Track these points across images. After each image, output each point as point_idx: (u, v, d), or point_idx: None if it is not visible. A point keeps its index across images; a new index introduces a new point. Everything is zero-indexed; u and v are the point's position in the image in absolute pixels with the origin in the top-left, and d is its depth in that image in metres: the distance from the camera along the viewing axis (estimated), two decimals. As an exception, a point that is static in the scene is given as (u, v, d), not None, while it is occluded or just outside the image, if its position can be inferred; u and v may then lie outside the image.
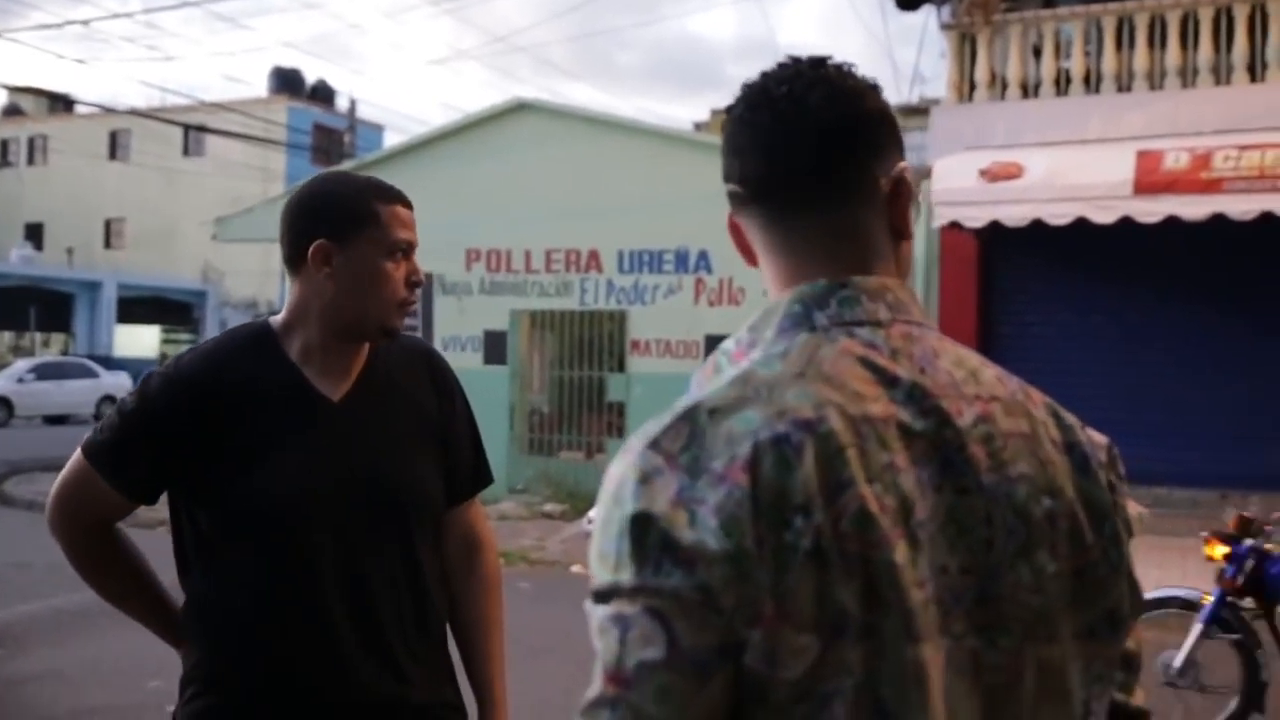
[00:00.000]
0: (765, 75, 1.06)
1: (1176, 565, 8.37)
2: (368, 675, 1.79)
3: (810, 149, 1.02)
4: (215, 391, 1.78)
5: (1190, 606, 5.08)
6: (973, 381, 0.99)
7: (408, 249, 1.83)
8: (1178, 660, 4.95)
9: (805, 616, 0.85)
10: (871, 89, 1.06)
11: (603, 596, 0.89)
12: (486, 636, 1.99)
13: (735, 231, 1.10)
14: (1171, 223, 9.00)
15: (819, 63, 1.05)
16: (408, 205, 1.86)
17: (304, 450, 1.78)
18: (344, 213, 1.79)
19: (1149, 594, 5.15)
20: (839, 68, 1.06)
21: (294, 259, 1.81)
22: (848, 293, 1.00)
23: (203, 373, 1.80)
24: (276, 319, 1.88)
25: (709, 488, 0.87)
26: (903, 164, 1.06)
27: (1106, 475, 1.02)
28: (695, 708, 0.85)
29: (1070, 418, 1.04)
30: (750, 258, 1.10)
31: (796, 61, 1.06)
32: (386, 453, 1.85)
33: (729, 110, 1.07)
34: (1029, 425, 0.99)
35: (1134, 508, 1.08)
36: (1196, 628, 4.96)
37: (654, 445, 0.91)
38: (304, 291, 1.82)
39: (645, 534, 0.87)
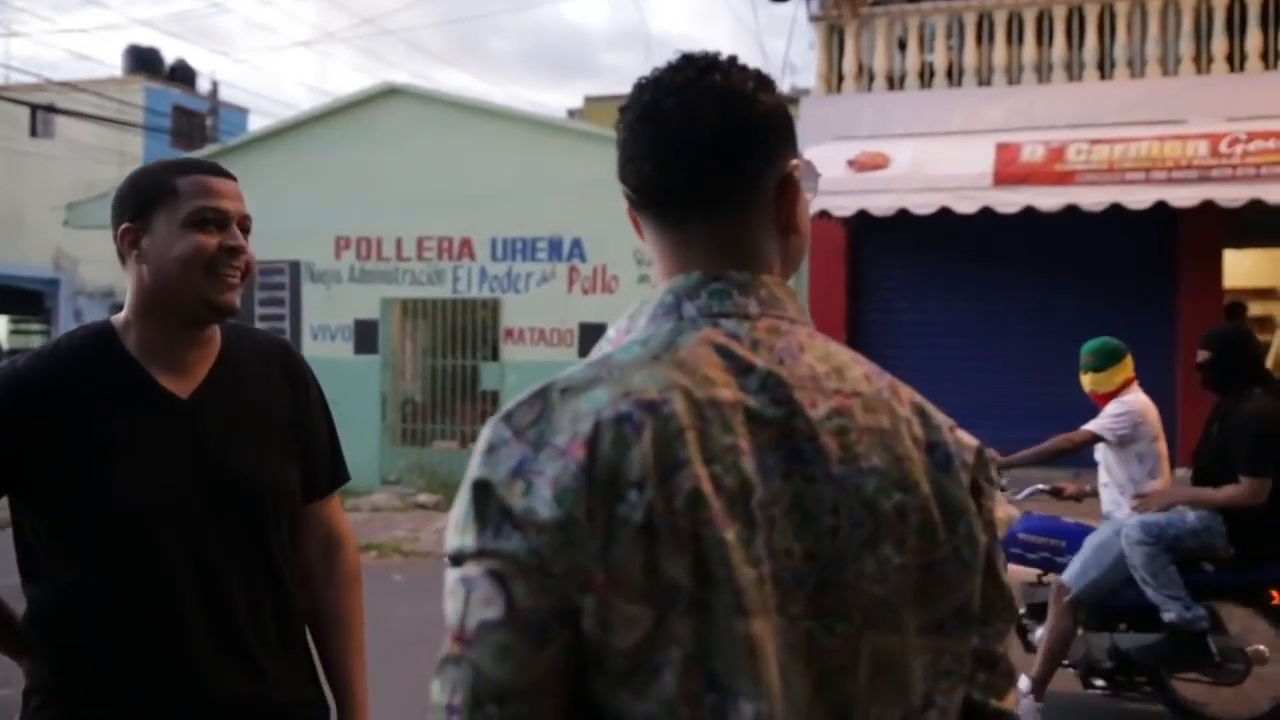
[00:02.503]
0: (657, 81, 1.07)
1: (1034, 542, 8.72)
2: (223, 676, 1.75)
3: (694, 163, 1.05)
4: (55, 393, 1.71)
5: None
6: (835, 377, 1.01)
7: (218, 218, 1.76)
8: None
9: (636, 587, 0.89)
10: (762, 89, 1.07)
11: (454, 560, 0.94)
12: (346, 635, 1.98)
13: (635, 223, 1.14)
14: (1029, 212, 9.36)
15: (709, 67, 1.06)
16: (219, 174, 1.80)
17: (150, 450, 1.73)
18: (143, 193, 1.76)
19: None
20: (729, 72, 1.06)
21: (119, 252, 1.78)
22: (720, 286, 1.04)
23: (41, 374, 1.74)
24: (118, 317, 1.82)
25: (549, 460, 0.91)
26: (794, 162, 1.08)
27: (970, 476, 1.04)
28: (533, 668, 0.89)
29: (939, 418, 1.06)
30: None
31: (688, 63, 1.07)
32: (237, 451, 1.80)
33: (622, 113, 1.10)
34: (890, 422, 1.01)
35: (1004, 510, 1.11)
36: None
37: (507, 419, 0.96)
38: (130, 283, 1.79)
39: (486, 501, 0.92)
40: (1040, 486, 5.27)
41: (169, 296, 1.75)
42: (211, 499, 1.75)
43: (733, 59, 1.08)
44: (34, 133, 37.15)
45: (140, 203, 1.75)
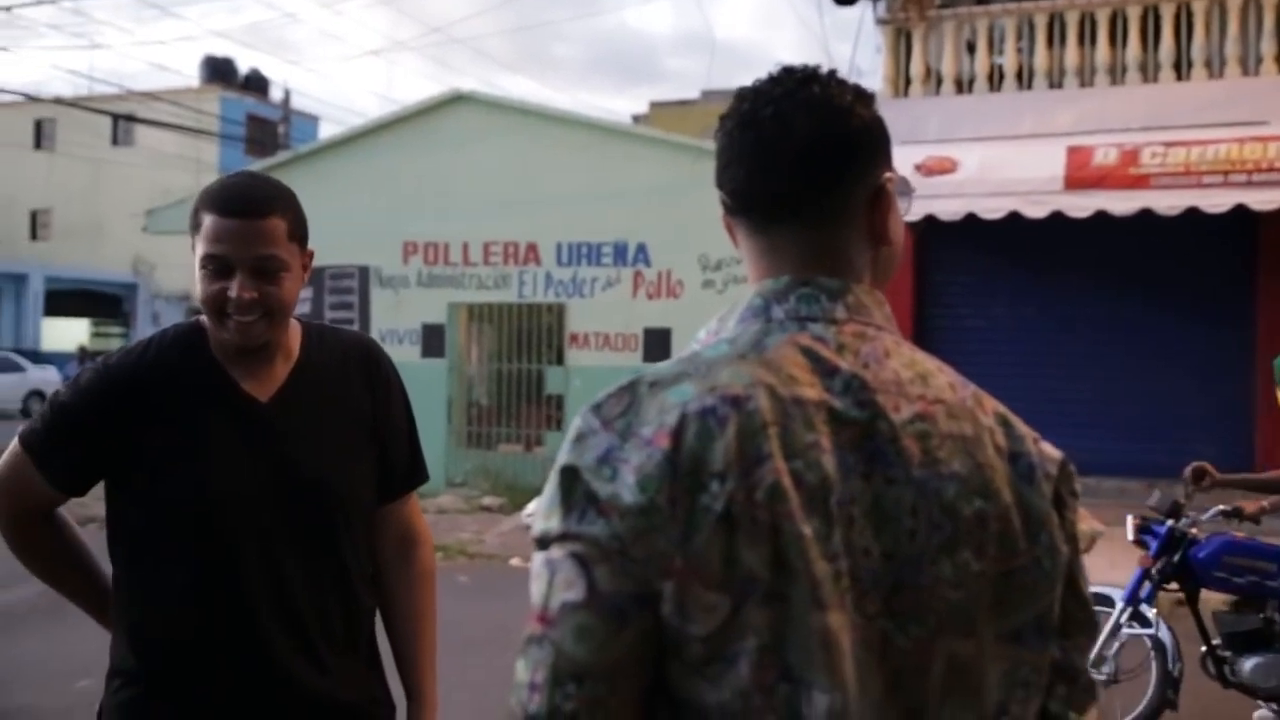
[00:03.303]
0: (756, 90, 1.10)
1: (1104, 554, 8.55)
2: (292, 672, 1.79)
3: (792, 172, 1.07)
4: (144, 389, 1.78)
5: (1106, 601, 5.02)
6: (920, 383, 1.02)
7: (218, 266, 1.73)
8: (1092, 652, 4.95)
9: (714, 575, 0.91)
10: (860, 103, 1.09)
11: (540, 544, 0.97)
12: (419, 631, 2.01)
13: (729, 230, 1.15)
14: (1101, 217, 9.19)
15: (809, 79, 1.09)
16: (235, 214, 1.72)
17: (229, 450, 1.78)
18: (191, 218, 1.79)
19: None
20: (828, 84, 1.09)
21: None
22: (808, 290, 1.06)
23: (133, 370, 1.80)
24: (205, 318, 1.86)
25: (634, 449, 0.94)
26: (887, 175, 1.10)
27: (1054, 488, 1.05)
28: (612, 649, 0.92)
29: (1022, 429, 1.07)
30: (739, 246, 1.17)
31: (788, 74, 1.10)
32: (313, 452, 1.84)
33: (722, 120, 1.11)
34: (973, 430, 1.02)
35: (1089, 524, 1.11)
36: (1110, 618, 4.92)
37: (596, 409, 0.99)
38: None
39: (573, 486, 0.95)
40: (1221, 508, 4.99)
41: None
42: (286, 499, 1.80)
43: (832, 73, 1.10)
44: (115, 141, 38.17)
45: (190, 226, 1.79)
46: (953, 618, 0.97)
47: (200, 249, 1.74)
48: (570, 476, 0.95)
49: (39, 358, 28.58)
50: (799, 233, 1.08)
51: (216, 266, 1.73)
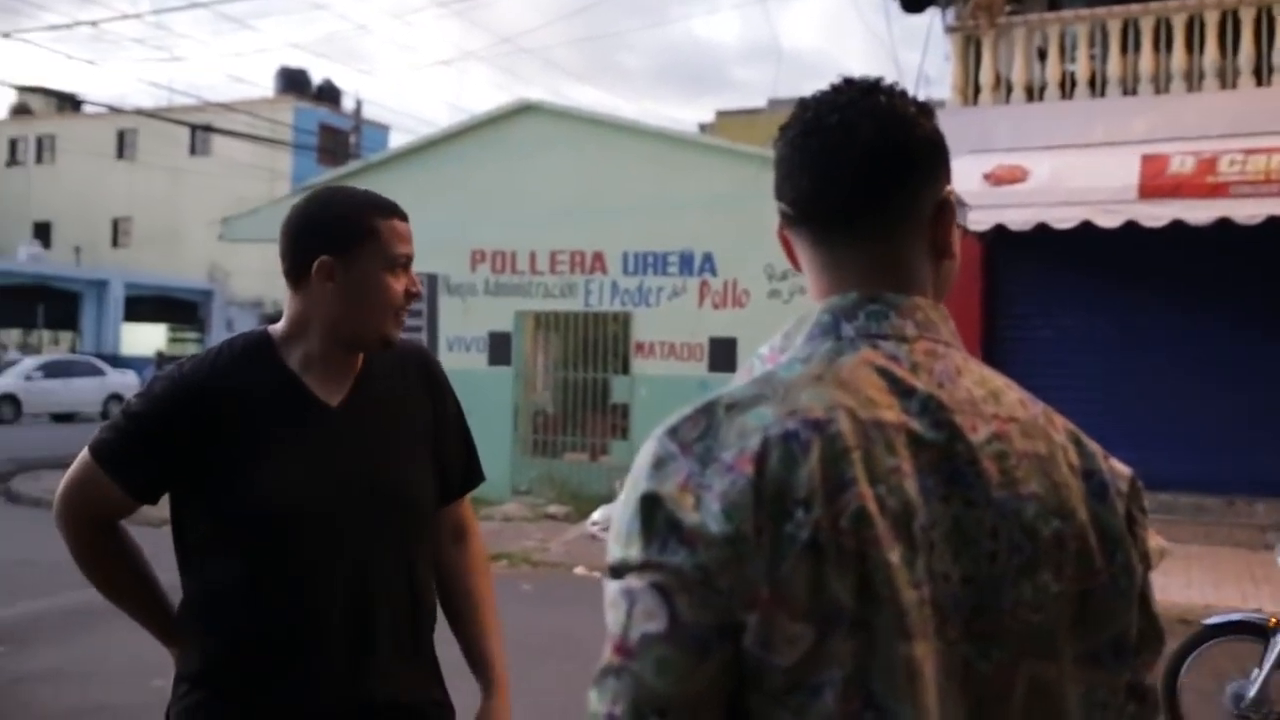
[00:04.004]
0: (820, 99, 1.09)
1: (1180, 573, 8.36)
2: (359, 676, 1.83)
3: (856, 179, 1.06)
4: (218, 396, 1.82)
5: (1257, 631, 4.74)
6: (993, 401, 1.01)
7: (406, 262, 1.89)
8: (1251, 690, 4.64)
9: (800, 605, 0.89)
10: (923, 115, 1.09)
11: (616, 571, 0.94)
12: (482, 616, 2.06)
13: (785, 243, 1.15)
14: (1177, 227, 8.99)
15: (872, 89, 1.08)
16: (404, 219, 1.91)
17: (304, 456, 1.82)
18: (346, 229, 1.84)
19: (1211, 619, 4.92)
20: (891, 94, 1.08)
21: (296, 274, 1.86)
22: (877, 307, 1.04)
23: (206, 378, 1.84)
24: (276, 328, 1.92)
25: (717, 475, 0.92)
26: (949, 188, 1.10)
27: (1125, 505, 1.04)
28: (693, 681, 0.90)
29: (1093, 446, 1.05)
30: (795, 263, 1.15)
31: (850, 85, 1.09)
32: (384, 457, 1.89)
33: (783, 130, 1.11)
34: (1046, 448, 1.01)
35: (1156, 541, 1.09)
36: (1272, 655, 4.62)
37: (672, 433, 0.96)
38: (305, 304, 1.87)
39: (654, 514, 0.92)
40: None
41: (356, 329, 1.86)
42: (357, 503, 1.84)
43: (894, 84, 1.10)
44: (193, 151, 39.07)
45: (342, 238, 1.84)
46: (1034, 640, 0.96)
47: (390, 249, 1.85)
48: (651, 504, 0.93)
49: (118, 362, 29.33)
50: (863, 245, 1.07)
51: (406, 264, 1.88)
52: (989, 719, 0.95)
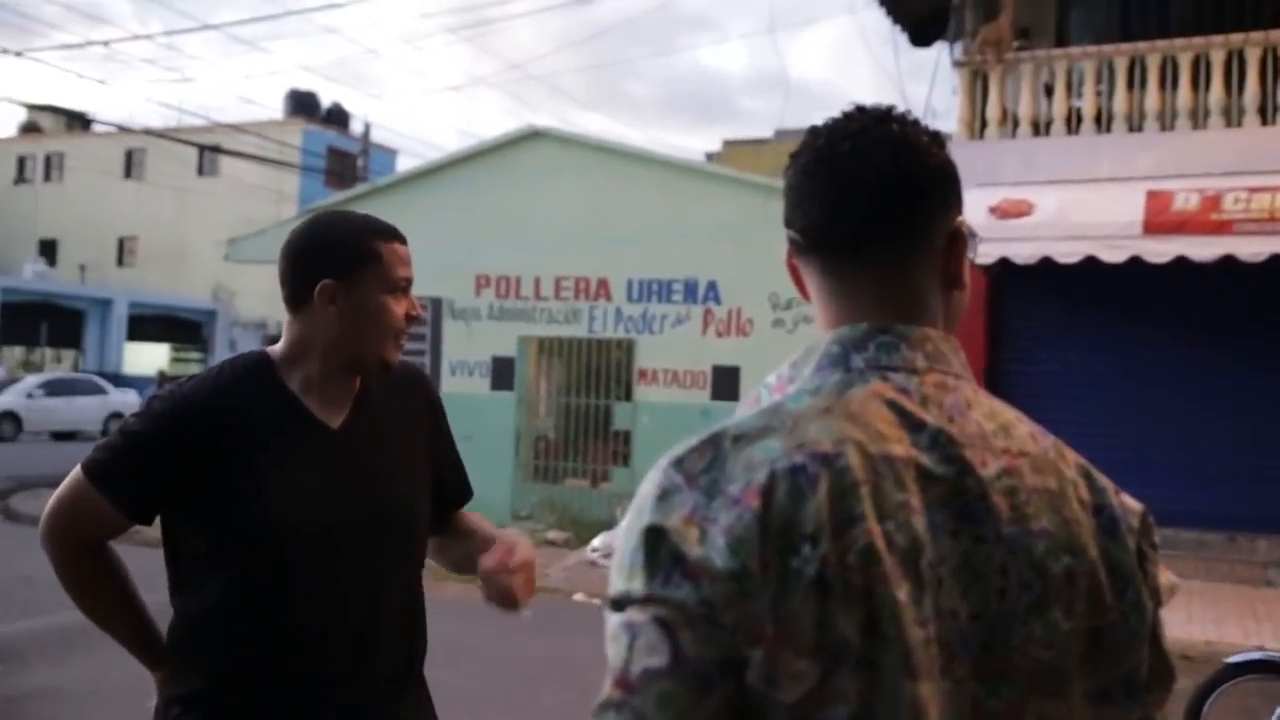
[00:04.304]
0: (832, 127, 1.08)
1: (1181, 608, 8.32)
2: (356, 696, 1.82)
3: (868, 207, 1.04)
4: (219, 415, 1.81)
5: (1276, 670, 4.61)
6: (1003, 435, 1.00)
7: (407, 286, 1.91)
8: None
9: (805, 642, 0.88)
10: (935, 144, 1.08)
11: (617, 604, 0.93)
12: (473, 524, 2.12)
13: (793, 272, 1.13)
14: (1181, 263, 9.01)
15: (885, 117, 1.07)
16: (404, 242, 1.93)
17: (305, 476, 1.82)
18: (348, 253, 1.85)
19: (1233, 658, 4.79)
20: (904, 123, 1.07)
21: (297, 297, 1.86)
22: (887, 339, 1.03)
23: (206, 398, 1.83)
24: (275, 350, 1.92)
25: (723, 509, 0.91)
26: (960, 218, 1.09)
27: (1136, 541, 1.02)
28: (694, 717, 0.88)
29: (1103, 481, 1.04)
30: (803, 291, 1.14)
31: (863, 112, 1.08)
32: (384, 478, 1.90)
33: (794, 157, 1.10)
34: (1057, 483, 0.99)
35: (1166, 577, 1.06)
36: None
37: (678, 464, 0.95)
38: (306, 328, 1.87)
39: (658, 547, 0.91)
40: None
41: (357, 352, 1.87)
42: (356, 523, 1.84)
43: (907, 112, 1.09)
44: (200, 171, 39.25)
45: (343, 262, 1.84)
46: (1043, 678, 0.94)
47: (392, 273, 1.87)
48: (656, 537, 0.91)
49: (120, 381, 29.35)
50: (874, 274, 1.06)
51: (407, 287, 1.91)
52: None
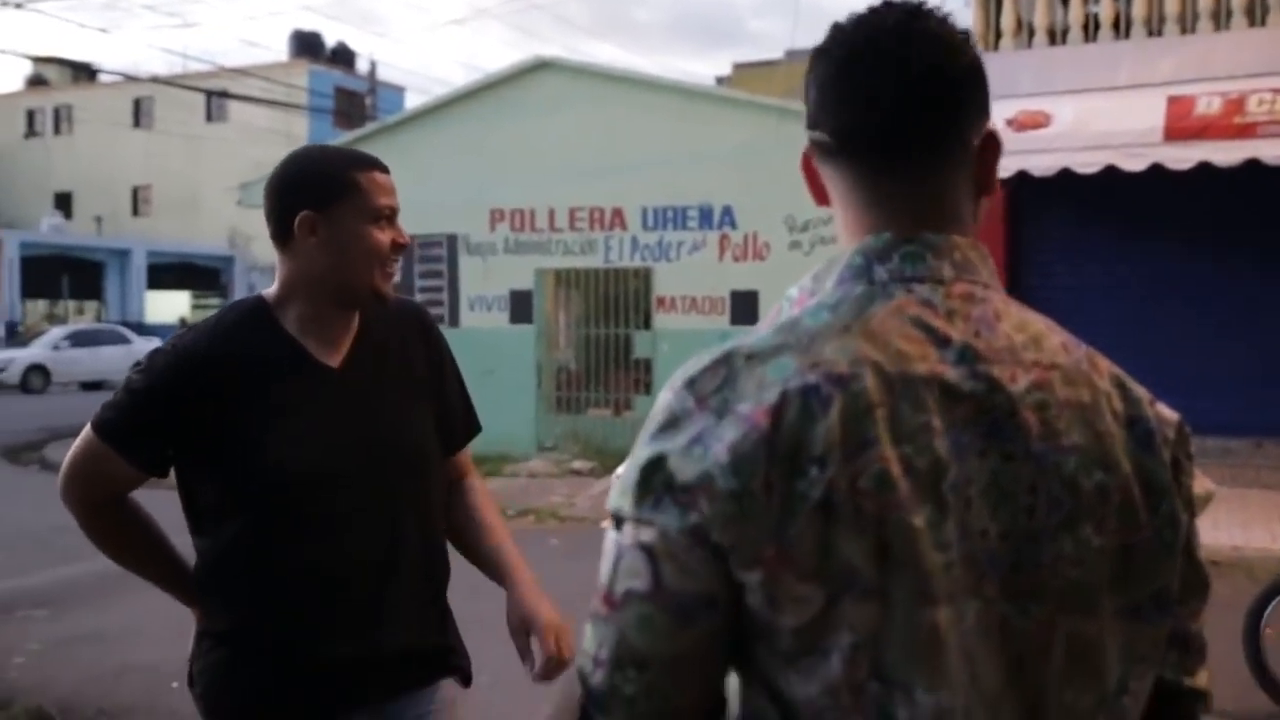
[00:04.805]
0: (864, 21, 1.01)
1: (1209, 515, 8.33)
2: (378, 626, 1.86)
3: (908, 107, 0.99)
4: (219, 365, 1.82)
5: None
6: (1033, 347, 0.97)
7: (391, 214, 1.88)
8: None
9: (807, 566, 0.87)
10: (966, 43, 1.02)
11: (613, 519, 0.95)
12: (492, 528, 2.09)
13: (811, 178, 1.08)
14: (1203, 169, 8.86)
15: (917, 11, 1.01)
16: (385, 171, 1.91)
17: (309, 418, 1.84)
18: (325, 184, 1.84)
19: None
20: (939, 18, 1.01)
21: (281, 234, 1.86)
22: (912, 248, 0.99)
23: (206, 348, 1.84)
24: (269, 292, 1.92)
25: (730, 426, 0.89)
26: (990, 122, 1.04)
27: (1171, 452, 0.99)
28: (675, 643, 0.90)
29: (1139, 391, 1.01)
30: (820, 197, 1.09)
31: (892, 7, 1.01)
32: (388, 413, 1.91)
33: (820, 54, 1.03)
34: (1090, 396, 0.96)
35: (1202, 485, 1.05)
36: None
37: (689, 384, 0.94)
38: (294, 264, 1.87)
39: (654, 471, 0.91)
40: None
41: (344, 284, 1.86)
42: (365, 460, 1.86)
43: (936, 8, 1.03)
44: (209, 118, 39.07)
45: (321, 193, 1.83)
46: (1073, 596, 0.92)
47: (372, 201, 1.85)
48: (655, 461, 0.91)
49: (144, 330, 29.57)
50: (906, 178, 1.01)
51: (391, 215, 1.88)
52: (1028, 676, 0.92)
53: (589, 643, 0.94)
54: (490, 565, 2.06)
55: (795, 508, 0.87)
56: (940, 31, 1.00)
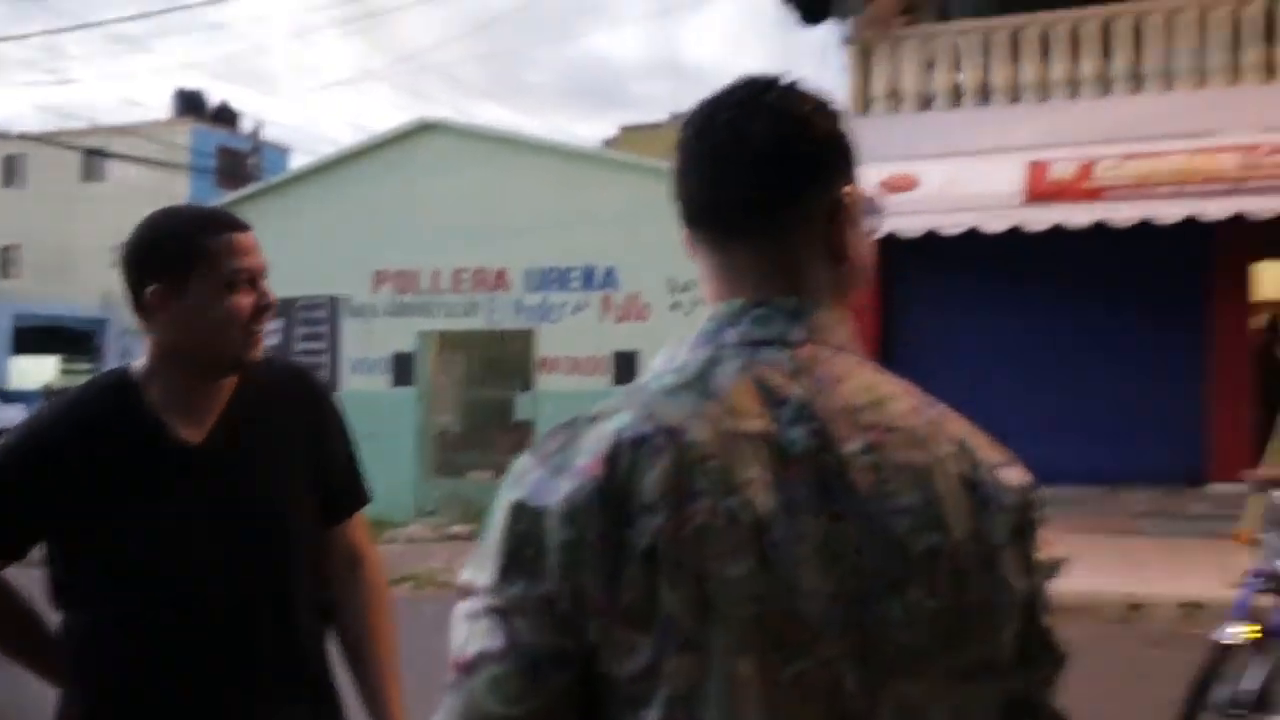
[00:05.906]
0: (714, 99, 1.06)
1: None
2: (245, 712, 1.79)
3: (745, 181, 1.02)
4: (72, 451, 1.75)
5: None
6: (874, 410, 0.97)
7: (251, 276, 1.79)
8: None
9: (636, 615, 0.88)
10: (820, 114, 1.04)
11: (463, 590, 0.96)
12: (375, 650, 1.96)
13: (690, 247, 1.11)
14: (1058, 231, 9.28)
15: (768, 87, 1.04)
16: (245, 229, 1.81)
17: (162, 498, 1.76)
18: (173, 254, 1.75)
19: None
20: (787, 92, 1.04)
21: (137, 308, 1.79)
22: (762, 312, 1.01)
23: (63, 433, 1.77)
24: (137, 364, 1.85)
25: (567, 480, 0.91)
26: (847, 189, 1.05)
27: (1014, 518, 0.99)
28: (526, 702, 0.89)
29: (987, 455, 1.01)
30: None
31: (749, 83, 1.05)
32: (250, 489, 1.82)
33: (682, 125, 1.08)
34: (929, 459, 0.97)
35: (1053, 551, 1.02)
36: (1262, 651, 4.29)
37: (534, 449, 0.97)
38: (153, 337, 1.80)
39: (503, 535, 0.93)
40: None
41: (201, 355, 1.78)
42: (228, 540, 1.78)
43: (794, 82, 1.05)
44: (86, 176, 38.00)
45: (169, 264, 1.75)
46: (902, 658, 0.92)
47: (226, 267, 1.74)
48: (500, 522, 0.94)
49: (7, 396, 28.30)
50: (755, 247, 1.03)
51: (249, 278, 1.78)
52: None
53: (442, 715, 0.94)
54: (367, 700, 1.95)
55: (626, 557, 0.88)
56: (785, 106, 1.03)
